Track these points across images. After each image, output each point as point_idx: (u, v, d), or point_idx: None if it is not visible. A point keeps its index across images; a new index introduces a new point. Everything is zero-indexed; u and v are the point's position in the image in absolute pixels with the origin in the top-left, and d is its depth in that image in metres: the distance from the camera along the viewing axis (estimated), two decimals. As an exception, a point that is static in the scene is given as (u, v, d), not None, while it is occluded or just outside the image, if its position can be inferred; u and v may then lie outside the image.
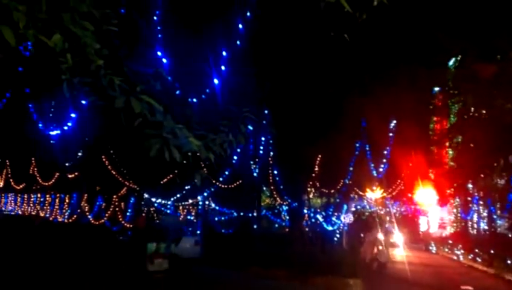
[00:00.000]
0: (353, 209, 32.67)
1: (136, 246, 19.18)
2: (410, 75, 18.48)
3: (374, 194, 33.43)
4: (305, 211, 29.97)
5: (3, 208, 49.24)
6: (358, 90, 18.60)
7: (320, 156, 25.29)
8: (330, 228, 30.31)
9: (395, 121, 24.26)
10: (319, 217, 32.03)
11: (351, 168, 26.35)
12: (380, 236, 16.04)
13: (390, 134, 24.66)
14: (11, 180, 45.15)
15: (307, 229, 28.95)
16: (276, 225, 32.80)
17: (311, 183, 28.12)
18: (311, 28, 15.63)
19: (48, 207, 41.81)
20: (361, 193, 32.89)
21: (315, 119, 19.38)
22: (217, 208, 29.66)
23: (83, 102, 5.51)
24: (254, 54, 12.81)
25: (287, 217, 30.43)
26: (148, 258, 16.95)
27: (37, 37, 4.35)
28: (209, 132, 5.83)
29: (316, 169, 26.30)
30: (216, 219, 30.35)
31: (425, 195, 30.44)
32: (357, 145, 25.69)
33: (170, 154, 5.29)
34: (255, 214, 28.04)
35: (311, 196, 33.71)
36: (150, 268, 16.58)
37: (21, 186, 44.46)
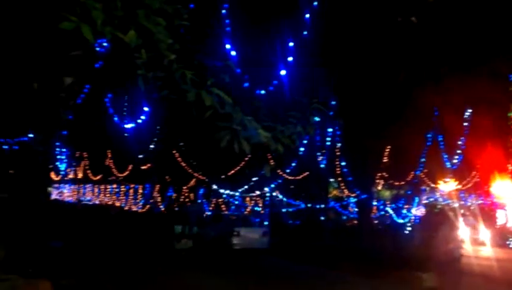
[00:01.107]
0: (425, 201, 31.62)
1: (165, 228, 22.43)
2: (487, 61, 17.52)
3: (447, 186, 32.13)
4: (374, 203, 29.36)
5: (82, 198, 52.15)
6: (430, 78, 17.85)
7: (389, 146, 24.60)
8: (401, 221, 29.53)
9: (470, 110, 23.14)
10: (389, 209, 31.29)
11: (423, 160, 25.44)
12: (454, 230, 15.44)
13: (465, 123, 23.55)
14: (89, 171, 47.73)
15: (375, 221, 28.39)
16: (344, 217, 32.42)
17: (380, 175, 27.42)
18: (380, 14, 15.16)
19: (123, 197, 43.84)
20: (433, 185, 31.72)
21: (384, 109, 18.83)
22: (284, 199, 29.76)
23: (156, 96, 5.71)
24: (321, 43, 12.62)
25: (355, 209, 29.96)
26: (175, 238, 19.92)
27: (114, 34, 4.54)
28: (277, 123, 5.84)
29: (385, 160, 25.62)
30: (284, 210, 30.47)
31: (503, 187, 28.91)
32: (429, 135, 24.73)
33: (240, 145, 5.37)
34: (322, 205, 27.82)
35: (379, 187, 32.99)
36: (176, 246, 19.60)
37: (98, 177, 46.87)
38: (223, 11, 7.38)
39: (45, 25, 5.17)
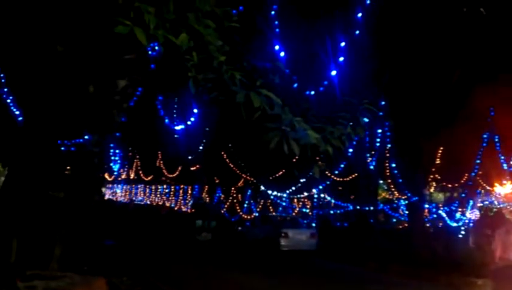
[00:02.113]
0: (480, 204, 30.43)
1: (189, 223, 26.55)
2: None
3: (504, 189, 30.80)
4: (426, 206, 28.55)
5: (134, 198, 53.57)
6: (487, 77, 17.12)
7: (442, 147, 23.82)
8: (454, 225, 28.54)
9: (529, 110, 22.06)
10: (441, 212, 30.32)
11: (478, 161, 24.48)
12: (511, 234, 14.81)
13: (525, 123, 22.47)
14: (140, 172, 49.02)
15: (427, 224, 27.58)
16: (394, 220, 31.70)
17: (431, 177, 26.60)
18: (442, 5, 14.58)
19: (173, 198, 44.70)
20: (488, 187, 30.47)
21: (437, 109, 18.23)
22: (332, 201, 29.45)
23: (206, 97, 5.79)
24: (372, 42, 12.37)
25: (406, 212, 29.25)
26: (196, 231, 23.41)
27: (166, 37, 4.65)
28: (327, 124, 5.78)
29: (438, 162, 24.83)
30: (331, 211, 30.16)
31: None
32: (485, 136, 23.76)
33: (289, 147, 5.36)
34: (371, 207, 27.34)
35: (431, 190, 32.00)
36: (198, 238, 22.72)
37: (149, 178, 48.05)
38: (272, 12, 7.39)
39: (100, 30, 5.35)
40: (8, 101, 12.25)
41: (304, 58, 7.02)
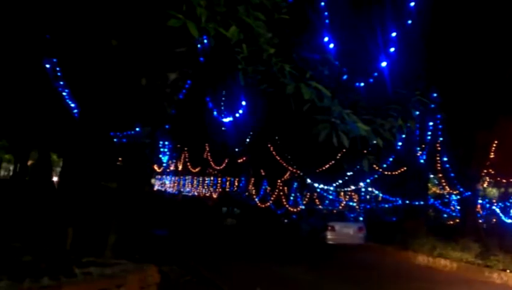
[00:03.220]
0: (537, 201, 29.12)
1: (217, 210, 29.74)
2: None
3: None
4: (479, 201, 27.61)
5: (182, 190, 54.63)
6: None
7: (496, 141, 22.91)
8: (509, 221, 27.48)
9: None
10: (495, 208, 29.23)
11: (536, 155, 23.40)
12: None
13: None
14: (188, 164, 49.91)
15: (480, 220, 26.67)
16: (445, 215, 30.82)
17: (485, 171, 25.64)
18: None
19: (220, 189, 45.25)
20: (547, 183, 29.10)
21: (492, 101, 17.52)
22: (380, 194, 28.95)
23: (255, 89, 5.81)
24: (424, 31, 12.00)
25: (457, 207, 28.37)
26: (222, 217, 26.57)
27: (216, 30, 4.69)
28: (377, 116, 5.68)
29: (492, 156, 23.90)
30: (379, 205, 29.67)
31: None
32: (543, 129, 22.65)
33: (338, 139, 5.30)
34: (421, 202, 26.68)
35: (485, 185, 30.87)
36: (224, 223, 25.49)
37: (197, 169, 48.84)
38: (322, 3, 7.31)
39: (153, 24, 5.47)
40: (64, 94, 12.74)
41: (354, 49, 6.90)
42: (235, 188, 41.63)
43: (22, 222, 11.47)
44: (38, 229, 10.17)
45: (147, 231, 17.56)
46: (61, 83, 12.27)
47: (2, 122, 25.40)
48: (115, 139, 10.77)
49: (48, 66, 11.75)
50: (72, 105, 12.80)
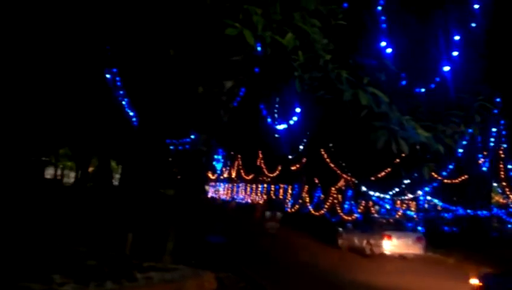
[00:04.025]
0: None
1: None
2: None
3: None
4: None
5: (235, 197, 55.05)
6: None
7: None
8: None
9: None
10: None
11: None
12: None
13: None
14: (241, 171, 50.29)
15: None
16: (510, 226, 29.34)
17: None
18: None
19: (273, 197, 45.22)
20: None
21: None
22: (440, 203, 27.96)
23: (310, 96, 5.78)
24: (487, 34, 11.52)
25: (523, 218, 26.96)
26: (264, 222, 25.88)
27: (272, 37, 4.71)
28: (437, 122, 5.50)
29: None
30: (439, 215, 28.65)
31: None
32: None
33: (397, 146, 5.17)
34: (484, 212, 25.55)
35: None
36: (265, 226, 25.05)
37: (250, 177, 49.08)
38: (378, 7, 7.18)
39: (210, 33, 5.56)
40: (124, 103, 13.18)
41: (413, 54, 6.72)
42: (288, 196, 41.76)
43: (86, 226, 11.94)
44: (101, 233, 10.54)
45: (202, 237, 17.83)
46: (121, 92, 12.71)
47: (65, 131, 26.60)
48: (171, 147, 11.01)
49: (108, 76, 12.21)
50: (131, 114, 13.21)
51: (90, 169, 39.66)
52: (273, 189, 45.59)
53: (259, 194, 49.79)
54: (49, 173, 46.12)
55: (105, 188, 30.11)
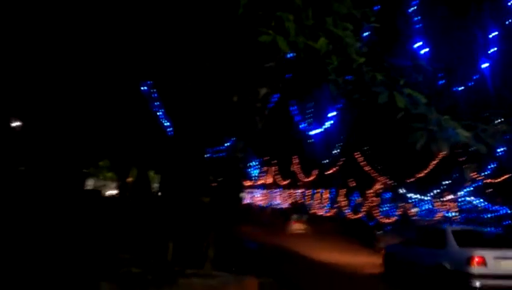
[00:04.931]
0: None
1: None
2: None
3: None
4: None
5: (271, 203, 54.98)
6: None
7: None
8: None
9: None
10: None
11: None
12: None
13: None
14: (277, 177, 50.28)
15: None
16: (558, 226, 28.24)
17: None
18: None
19: (309, 201, 44.99)
20: None
21: None
22: (482, 204, 27.20)
23: (344, 100, 5.77)
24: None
25: None
26: (290, 223, 30.44)
27: (305, 43, 4.74)
28: (478, 121, 5.39)
29: None
30: (481, 216, 27.87)
31: None
32: None
33: (437, 147, 5.09)
34: (528, 212, 24.69)
35: None
36: (292, 228, 29.10)
37: (285, 182, 49.02)
38: (412, 8, 7.11)
39: (243, 41, 5.64)
40: (159, 114, 13.45)
41: (450, 53, 6.59)
42: (324, 201, 41.89)
43: (128, 235, 12.18)
44: (142, 241, 10.74)
45: (241, 243, 17.88)
46: (156, 103, 12.96)
47: (105, 143, 27.31)
48: (207, 155, 11.11)
49: (144, 88, 12.49)
50: (167, 124, 13.45)
51: (129, 179, 40.45)
52: (308, 193, 45.39)
53: (295, 200, 49.59)
54: (89, 184, 47.30)
55: (145, 197, 30.69)
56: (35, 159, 25.11)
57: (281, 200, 54.03)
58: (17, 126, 24.22)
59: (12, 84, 15.92)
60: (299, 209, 37.59)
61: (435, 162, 24.59)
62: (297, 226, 30.95)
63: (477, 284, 10.90)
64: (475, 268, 11.04)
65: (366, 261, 17.91)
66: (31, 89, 16.36)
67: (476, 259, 11.09)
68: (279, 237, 23.98)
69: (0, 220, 13.06)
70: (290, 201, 48.41)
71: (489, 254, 11.26)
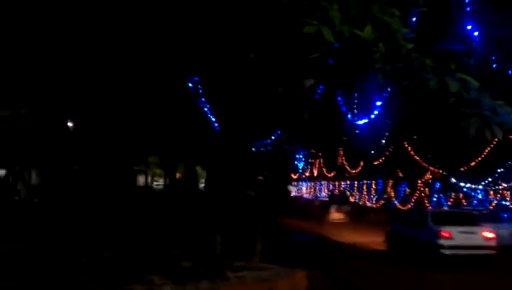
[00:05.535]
0: None
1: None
2: None
3: None
4: None
5: (318, 195, 54.74)
6: None
7: None
8: None
9: None
10: None
11: None
12: None
13: None
14: (323, 169, 49.99)
15: None
16: None
17: None
18: None
19: (357, 193, 44.50)
20: None
21: None
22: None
23: (391, 89, 5.64)
24: None
25: None
26: (329, 213, 32.13)
27: (351, 32, 4.64)
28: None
29: None
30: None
31: None
32: None
33: (491, 133, 4.89)
34: None
35: None
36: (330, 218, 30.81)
37: (332, 174, 48.66)
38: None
39: (288, 33, 5.60)
40: (206, 110, 13.62)
41: (503, 35, 6.30)
42: (373, 192, 41.28)
43: (177, 229, 12.44)
44: (191, 236, 10.94)
45: (290, 236, 17.91)
46: (203, 99, 13.13)
47: (154, 141, 27.97)
48: (253, 149, 11.18)
49: (190, 85, 12.67)
50: (213, 119, 13.61)
51: (178, 175, 41.24)
52: (356, 185, 44.86)
53: (333, 191, 49.20)
54: (140, 180, 48.60)
55: (193, 192, 31.23)
56: (88, 158, 26.00)
57: (327, 192, 53.71)
58: (70, 126, 25.15)
59: (65, 84, 16.52)
60: (338, 200, 39.00)
61: (488, 149, 23.74)
62: (336, 216, 32.22)
63: (446, 252, 14.41)
64: (443, 240, 14.57)
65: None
66: (82, 88, 16.93)
67: (444, 234, 14.63)
68: (320, 227, 25.16)
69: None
70: (328, 192, 49.19)
71: (455, 230, 14.78)
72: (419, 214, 18.00)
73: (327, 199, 44.29)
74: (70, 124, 25.16)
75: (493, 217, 21.05)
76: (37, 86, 15.24)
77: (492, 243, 15.16)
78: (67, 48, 13.79)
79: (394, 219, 20.73)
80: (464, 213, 19.76)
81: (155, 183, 54.99)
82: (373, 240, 19.24)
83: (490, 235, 15.28)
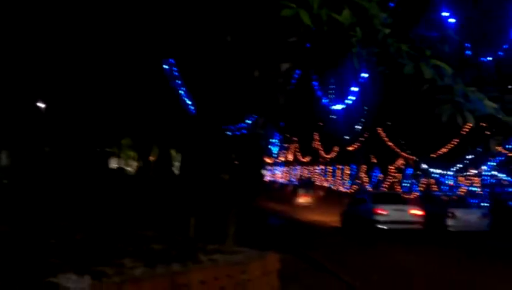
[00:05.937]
0: None
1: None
2: None
3: None
4: None
5: (291, 180, 55.15)
6: None
7: None
8: None
9: None
10: None
11: None
12: None
13: None
14: (298, 154, 50.30)
15: None
16: None
17: None
18: None
19: (330, 178, 45.02)
20: None
21: None
22: (508, 178, 26.78)
23: (367, 74, 5.65)
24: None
25: None
26: (297, 197, 34.36)
27: (329, 15, 4.60)
28: (506, 92, 5.23)
29: None
30: (505, 190, 27.46)
31: None
32: None
33: (463, 119, 4.96)
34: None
35: None
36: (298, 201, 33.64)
37: (306, 159, 49.02)
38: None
39: (265, 16, 5.54)
40: (181, 92, 13.46)
41: (478, 22, 6.37)
42: (347, 177, 42.08)
43: (151, 212, 12.35)
44: (165, 219, 10.88)
45: (262, 220, 18.03)
46: (178, 82, 12.96)
47: (127, 122, 27.60)
48: (228, 132, 11.12)
49: (165, 67, 12.48)
50: (189, 102, 13.47)
51: (151, 158, 40.91)
52: (330, 170, 45.33)
53: (316, 176, 49.62)
54: (112, 163, 48.00)
55: (166, 175, 31.04)
56: (60, 139, 25.53)
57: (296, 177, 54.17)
58: (41, 108, 24.60)
59: (36, 66, 16.10)
60: (305, 184, 41.53)
61: (458, 137, 24.23)
62: (302, 200, 34.75)
63: (380, 226, 17.92)
64: (378, 216, 18.09)
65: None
66: (54, 68, 16.53)
67: (378, 211, 18.14)
68: (289, 209, 29.26)
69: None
70: (298, 177, 50.72)
71: (387, 208, 18.20)
72: (362, 195, 22.36)
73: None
74: (41, 105, 24.63)
75: (462, 202, 21.62)
76: (6, 67, 14.81)
77: (419, 219, 18.38)
78: (37, 26, 13.40)
79: (349, 201, 24.03)
80: (397, 194, 24.48)
81: (128, 166, 54.42)
82: (332, 219, 22.20)
83: (418, 212, 18.56)
